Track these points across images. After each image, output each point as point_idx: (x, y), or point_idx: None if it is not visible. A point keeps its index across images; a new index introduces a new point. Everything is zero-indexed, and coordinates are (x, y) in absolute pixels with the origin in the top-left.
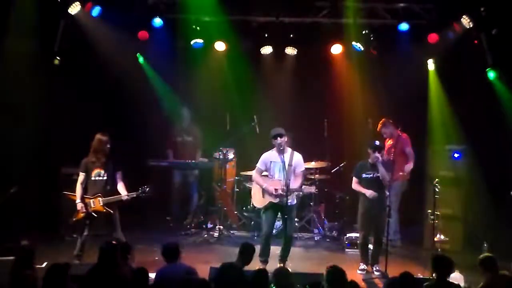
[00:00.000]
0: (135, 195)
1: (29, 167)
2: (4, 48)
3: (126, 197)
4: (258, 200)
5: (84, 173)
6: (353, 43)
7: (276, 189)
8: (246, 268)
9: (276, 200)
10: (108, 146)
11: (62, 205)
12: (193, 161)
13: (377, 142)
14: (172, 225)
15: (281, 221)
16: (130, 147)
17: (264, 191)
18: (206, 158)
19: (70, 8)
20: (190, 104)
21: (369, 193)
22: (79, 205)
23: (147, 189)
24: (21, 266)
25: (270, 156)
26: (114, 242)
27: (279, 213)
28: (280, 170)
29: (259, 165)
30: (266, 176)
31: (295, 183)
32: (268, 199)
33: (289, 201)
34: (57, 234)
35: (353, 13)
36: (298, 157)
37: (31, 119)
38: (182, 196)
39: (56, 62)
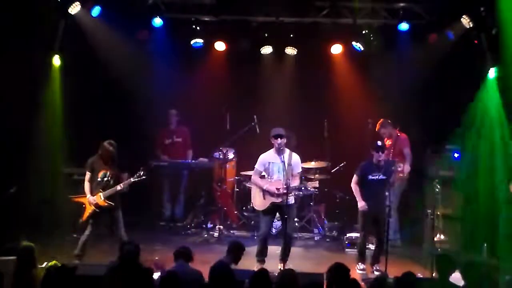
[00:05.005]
0: (131, 181)
1: (29, 167)
2: (4, 48)
3: (121, 186)
4: (259, 203)
5: (90, 173)
6: (353, 43)
7: (278, 188)
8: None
9: (279, 200)
10: (113, 151)
11: (63, 205)
12: (192, 161)
13: (379, 143)
14: (172, 225)
15: (281, 221)
16: (130, 147)
17: (265, 192)
18: (206, 158)
19: (70, 8)
20: (191, 104)
21: (360, 205)
22: (91, 199)
23: (142, 172)
24: (24, 266)
25: (268, 157)
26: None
27: (277, 213)
28: (279, 170)
29: (257, 166)
30: (264, 177)
31: (293, 184)
32: (270, 200)
33: (288, 200)
34: (57, 234)
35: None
36: (296, 157)
37: (31, 119)
38: (173, 198)
39: (56, 62)
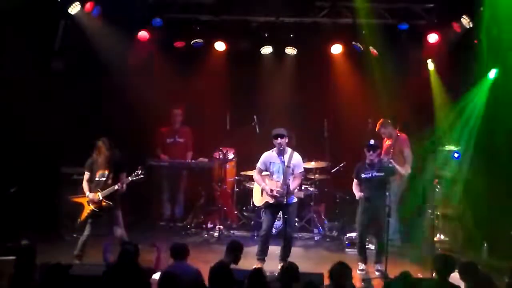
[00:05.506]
0: (129, 180)
1: (29, 167)
2: (4, 48)
3: (119, 185)
4: (257, 199)
5: (89, 172)
6: (353, 43)
7: (271, 190)
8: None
9: (272, 201)
10: (109, 149)
11: (62, 205)
12: (193, 161)
13: (372, 141)
14: (172, 225)
15: (281, 221)
16: (130, 147)
17: (263, 191)
18: (206, 158)
19: (70, 8)
20: (190, 104)
21: (357, 195)
22: (91, 196)
23: (140, 171)
24: (24, 266)
25: (269, 156)
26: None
27: (279, 213)
28: (278, 170)
29: (259, 164)
30: (268, 175)
31: (293, 184)
32: (266, 199)
33: (289, 199)
34: (57, 234)
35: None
36: (297, 158)
37: (31, 119)
38: (173, 198)
39: (56, 62)
